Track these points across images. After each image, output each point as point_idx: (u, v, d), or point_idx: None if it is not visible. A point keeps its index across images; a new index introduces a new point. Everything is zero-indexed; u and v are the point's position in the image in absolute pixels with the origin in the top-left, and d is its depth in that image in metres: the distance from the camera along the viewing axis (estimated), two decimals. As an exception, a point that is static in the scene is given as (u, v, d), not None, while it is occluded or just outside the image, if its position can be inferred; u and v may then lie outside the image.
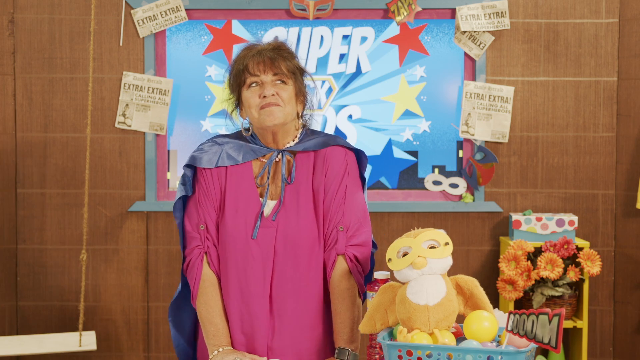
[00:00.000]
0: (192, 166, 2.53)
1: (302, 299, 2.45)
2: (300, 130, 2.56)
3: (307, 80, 2.57)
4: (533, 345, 2.02)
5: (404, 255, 2.20)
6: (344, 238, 2.46)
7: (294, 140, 2.54)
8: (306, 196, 2.47)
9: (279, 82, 2.47)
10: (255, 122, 2.49)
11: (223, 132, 4.39)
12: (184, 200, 2.55)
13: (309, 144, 2.53)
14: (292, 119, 2.51)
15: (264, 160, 2.53)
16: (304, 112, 2.57)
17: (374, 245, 2.54)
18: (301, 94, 2.54)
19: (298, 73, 2.52)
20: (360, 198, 2.52)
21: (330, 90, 4.44)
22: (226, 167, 2.51)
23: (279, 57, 2.48)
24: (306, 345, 2.47)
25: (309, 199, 2.47)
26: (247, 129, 2.57)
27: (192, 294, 2.49)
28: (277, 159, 2.53)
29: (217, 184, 2.51)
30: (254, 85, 2.47)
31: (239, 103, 2.53)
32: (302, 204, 2.46)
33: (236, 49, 4.46)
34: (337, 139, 2.55)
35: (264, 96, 2.44)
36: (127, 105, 4.38)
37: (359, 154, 2.55)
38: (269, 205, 2.48)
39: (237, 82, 2.50)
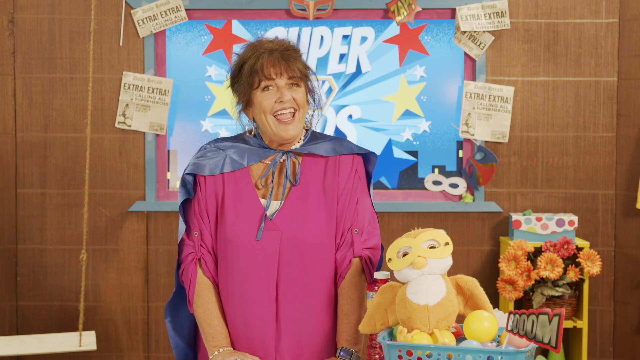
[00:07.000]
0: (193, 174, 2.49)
1: (311, 302, 2.43)
2: (303, 132, 2.53)
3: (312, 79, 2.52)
4: (533, 345, 2.02)
5: (404, 255, 2.20)
6: (359, 240, 2.45)
7: (298, 142, 2.50)
8: (315, 200, 2.44)
9: (293, 85, 2.43)
10: (268, 128, 2.44)
11: (223, 132, 4.44)
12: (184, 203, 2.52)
13: (316, 148, 2.49)
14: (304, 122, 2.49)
15: (267, 162, 2.49)
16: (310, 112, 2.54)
17: (382, 248, 2.54)
18: (310, 95, 2.49)
19: (307, 73, 2.48)
20: (370, 202, 2.52)
21: (330, 90, 4.44)
22: (223, 173, 2.46)
23: (292, 58, 2.43)
24: (311, 348, 2.45)
25: (319, 202, 2.44)
26: (250, 131, 2.52)
27: (188, 298, 2.48)
28: (281, 160, 2.49)
29: (213, 191, 2.47)
30: (269, 88, 2.42)
31: (247, 104, 2.47)
32: (309, 207, 2.43)
33: (236, 49, 4.45)
34: (345, 145, 2.51)
35: (281, 101, 2.40)
36: (127, 105, 4.38)
37: (367, 156, 2.53)
38: (273, 207, 2.44)
39: (249, 82, 2.42)
